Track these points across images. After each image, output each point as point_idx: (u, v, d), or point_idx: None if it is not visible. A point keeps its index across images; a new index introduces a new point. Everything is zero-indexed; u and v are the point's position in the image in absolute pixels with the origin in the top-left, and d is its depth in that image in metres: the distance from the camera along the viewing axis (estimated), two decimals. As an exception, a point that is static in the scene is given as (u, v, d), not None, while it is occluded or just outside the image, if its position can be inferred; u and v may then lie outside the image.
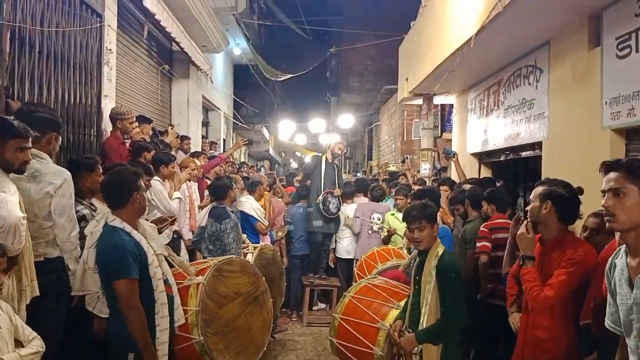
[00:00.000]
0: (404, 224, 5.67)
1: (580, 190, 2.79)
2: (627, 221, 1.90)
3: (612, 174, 1.96)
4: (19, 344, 2.40)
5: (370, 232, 6.58)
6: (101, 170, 3.65)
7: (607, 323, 2.08)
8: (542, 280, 2.76)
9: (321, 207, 6.60)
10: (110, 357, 2.88)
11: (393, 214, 6.32)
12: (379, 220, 6.48)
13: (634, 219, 1.89)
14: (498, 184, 5.57)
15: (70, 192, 3.05)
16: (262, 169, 12.87)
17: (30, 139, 2.64)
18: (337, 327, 3.90)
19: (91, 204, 3.61)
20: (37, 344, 2.44)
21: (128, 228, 2.81)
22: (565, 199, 2.76)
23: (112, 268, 2.70)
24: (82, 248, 3.24)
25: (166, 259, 3.19)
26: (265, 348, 3.99)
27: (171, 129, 7.11)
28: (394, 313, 3.59)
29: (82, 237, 3.29)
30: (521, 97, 5.32)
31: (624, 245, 1.98)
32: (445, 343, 3.19)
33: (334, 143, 7.24)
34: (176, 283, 3.27)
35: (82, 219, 3.39)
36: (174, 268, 3.45)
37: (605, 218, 1.98)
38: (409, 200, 5.64)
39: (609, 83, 3.72)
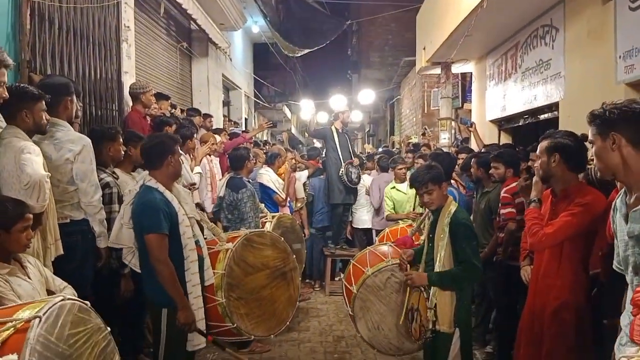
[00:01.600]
0: (408, 195, 5.70)
1: (585, 137, 2.79)
2: (604, 166, 1.98)
3: (590, 129, 2.02)
4: (51, 294, 2.52)
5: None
6: (122, 140, 3.79)
7: (615, 265, 2.12)
8: None
9: (345, 179, 6.61)
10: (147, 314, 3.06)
11: (394, 187, 6.18)
12: None
13: (607, 163, 1.96)
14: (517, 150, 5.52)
15: (90, 158, 3.16)
16: (280, 142, 12.91)
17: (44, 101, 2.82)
18: (344, 292, 4.14)
19: (114, 172, 3.76)
20: (68, 293, 2.56)
21: (162, 188, 3.01)
22: (572, 148, 2.77)
23: (144, 223, 2.90)
24: (107, 212, 3.41)
25: (198, 224, 3.36)
26: (288, 323, 4.07)
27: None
28: (363, 276, 3.81)
29: (106, 203, 3.46)
30: (538, 58, 5.25)
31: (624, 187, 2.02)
32: (458, 297, 3.24)
33: (341, 112, 7.10)
34: (208, 248, 3.44)
35: (106, 186, 3.54)
36: (206, 237, 3.61)
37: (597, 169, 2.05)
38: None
39: (623, 36, 3.66)
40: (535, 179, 3.04)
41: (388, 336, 3.85)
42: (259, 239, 3.90)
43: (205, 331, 3.15)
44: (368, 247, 4.33)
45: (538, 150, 2.89)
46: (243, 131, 9.18)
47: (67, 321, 1.75)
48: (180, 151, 4.89)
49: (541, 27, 5.16)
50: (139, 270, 3.15)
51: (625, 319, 1.96)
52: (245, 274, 3.72)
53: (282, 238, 4.18)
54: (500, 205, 4.22)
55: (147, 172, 3.13)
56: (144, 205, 2.93)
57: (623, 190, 2.02)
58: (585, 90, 4.26)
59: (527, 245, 3.30)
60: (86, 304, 1.93)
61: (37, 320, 1.61)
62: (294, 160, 7.57)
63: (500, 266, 4.19)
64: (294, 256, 4.17)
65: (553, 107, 5.03)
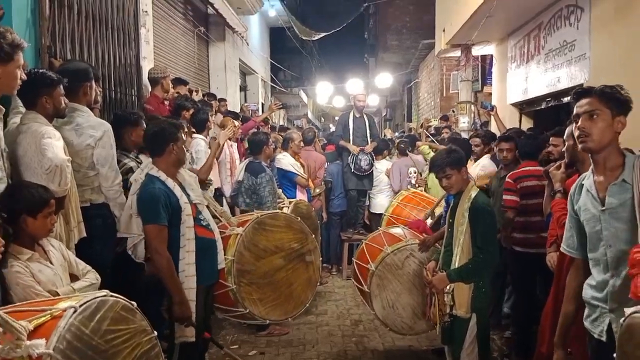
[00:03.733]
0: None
1: None
2: (600, 141, 2.01)
3: (585, 99, 2.03)
4: (75, 278, 2.57)
5: (409, 186, 6.55)
6: (144, 125, 3.79)
7: (563, 248, 2.28)
8: None
9: (352, 166, 6.62)
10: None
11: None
12: (415, 173, 6.43)
13: (605, 139, 2.01)
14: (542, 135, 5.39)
15: (110, 143, 3.18)
16: (298, 127, 12.90)
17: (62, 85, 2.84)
18: (356, 271, 4.25)
19: (137, 156, 3.76)
20: (91, 277, 2.61)
21: (163, 177, 2.99)
22: None
23: (144, 214, 2.94)
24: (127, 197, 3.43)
25: (209, 209, 3.33)
26: (307, 305, 4.04)
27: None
28: (382, 254, 3.91)
29: (128, 188, 3.48)
30: (562, 39, 5.12)
31: (591, 167, 2.11)
32: (477, 282, 3.23)
33: (352, 96, 7.08)
34: (220, 233, 3.40)
35: (130, 171, 3.49)
36: (218, 221, 3.58)
37: (580, 139, 2.04)
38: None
39: (652, 15, 3.55)
40: (552, 170, 3.02)
41: (402, 315, 3.89)
42: (271, 221, 3.81)
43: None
44: (379, 229, 4.34)
45: (565, 134, 2.85)
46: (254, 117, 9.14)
47: (106, 316, 1.74)
48: (203, 137, 4.99)
49: (565, 7, 5.03)
50: (141, 261, 3.14)
51: (589, 292, 2.11)
52: (257, 258, 3.68)
53: (299, 218, 4.07)
54: (503, 190, 4.15)
55: (150, 159, 3.13)
56: (143, 196, 2.94)
57: (590, 171, 2.10)
58: (611, 71, 4.15)
59: (557, 234, 3.26)
60: (132, 304, 1.91)
61: (71, 310, 1.62)
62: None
63: (519, 253, 4.14)
64: (313, 236, 4.06)
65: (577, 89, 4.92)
